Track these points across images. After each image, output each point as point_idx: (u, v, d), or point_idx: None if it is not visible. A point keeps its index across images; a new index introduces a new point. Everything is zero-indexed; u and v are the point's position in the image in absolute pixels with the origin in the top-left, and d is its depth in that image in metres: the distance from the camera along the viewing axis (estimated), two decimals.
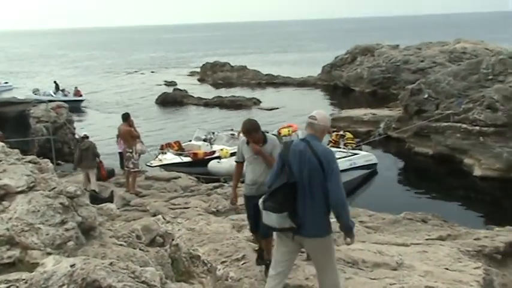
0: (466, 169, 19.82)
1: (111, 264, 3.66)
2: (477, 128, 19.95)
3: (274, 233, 4.57)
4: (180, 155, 19.97)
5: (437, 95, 22.73)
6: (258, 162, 5.59)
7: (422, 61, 38.29)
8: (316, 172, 4.19)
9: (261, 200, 4.35)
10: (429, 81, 23.77)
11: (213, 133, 21.98)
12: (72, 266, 3.49)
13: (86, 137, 13.99)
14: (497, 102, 19.80)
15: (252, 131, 5.59)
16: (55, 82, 41.76)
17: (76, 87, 40.99)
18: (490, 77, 21.87)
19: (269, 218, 4.25)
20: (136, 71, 67.34)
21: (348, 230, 4.35)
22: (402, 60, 39.19)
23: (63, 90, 39.55)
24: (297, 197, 4.19)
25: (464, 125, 20.54)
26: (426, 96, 23.02)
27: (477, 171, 19.12)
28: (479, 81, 22.17)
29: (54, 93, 38.35)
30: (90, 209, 4.93)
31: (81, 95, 39.81)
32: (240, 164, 5.91)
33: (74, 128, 21.80)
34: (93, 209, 5.07)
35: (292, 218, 4.16)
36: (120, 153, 16.77)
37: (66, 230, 4.36)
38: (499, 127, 19.35)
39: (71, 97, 37.89)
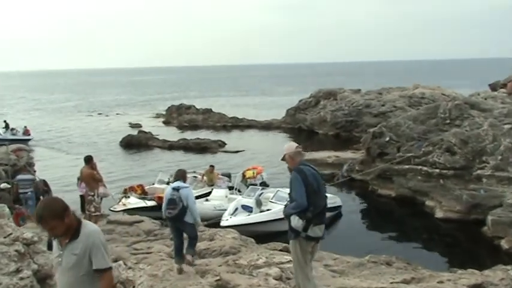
0: (428, 211, 20.15)
1: None
2: (437, 170, 20.45)
3: (305, 244, 5.59)
4: (144, 198, 19.62)
5: (398, 138, 23.30)
6: (65, 270, 3.66)
7: (383, 105, 39.39)
8: (324, 189, 5.57)
9: (303, 222, 5.39)
10: (390, 125, 24.38)
11: None
12: None
13: None
14: (455, 146, 20.43)
15: (48, 217, 3.47)
16: (5, 121, 42.57)
17: (25, 127, 42.18)
18: (448, 121, 22.62)
19: (319, 231, 5.46)
20: (100, 113, 66.72)
21: None
22: (364, 104, 40.22)
23: (12, 129, 40.76)
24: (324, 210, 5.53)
25: (424, 168, 21.02)
26: (387, 139, 23.55)
27: (439, 213, 19.46)
28: (437, 125, 22.90)
29: (4, 132, 39.80)
30: (47, 256, 4.76)
31: (29, 134, 41.02)
32: None
33: (35, 171, 21.24)
34: (51, 256, 4.89)
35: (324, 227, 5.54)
36: (81, 196, 16.40)
37: (21, 279, 4.18)
38: (458, 170, 19.89)
39: (20, 136, 39.28)
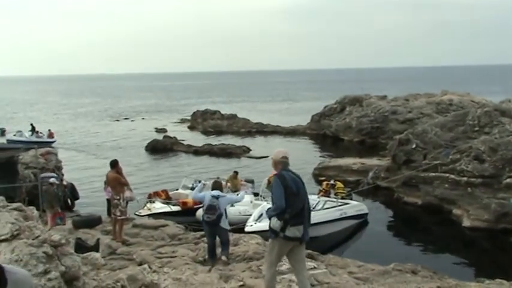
0: (455, 219, 19.80)
1: None
2: (465, 178, 20.08)
3: (284, 243, 5.83)
4: (168, 203, 19.79)
5: (425, 145, 22.98)
6: None
7: (410, 112, 38.92)
8: (305, 192, 5.89)
9: (280, 222, 5.71)
10: (417, 132, 24.08)
11: (200, 181, 21.84)
12: None
13: None
14: (484, 154, 20.04)
15: None
16: (31, 124, 44.34)
17: (49, 130, 44.16)
18: (476, 129, 22.23)
19: (297, 231, 5.71)
20: (126, 118, 67.66)
21: None
22: (390, 110, 39.81)
23: (37, 132, 42.72)
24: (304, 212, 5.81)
25: (452, 176, 20.67)
26: (414, 146, 23.26)
27: (466, 222, 19.10)
28: (466, 133, 22.51)
29: (30, 135, 41.91)
30: (74, 258, 4.84)
31: (53, 137, 43.04)
32: None
33: (63, 174, 21.63)
34: (78, 258, 4.98)
35: (304, 228, 5.77)
36: (107, 200, 16.63)
37: (49, 280, 4.26)
38: (486, 178, 19.50)
39: (44, 139, 41.45)
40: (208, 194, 9.85)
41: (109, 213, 15.64)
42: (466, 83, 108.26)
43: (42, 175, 17.47)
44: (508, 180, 18.96)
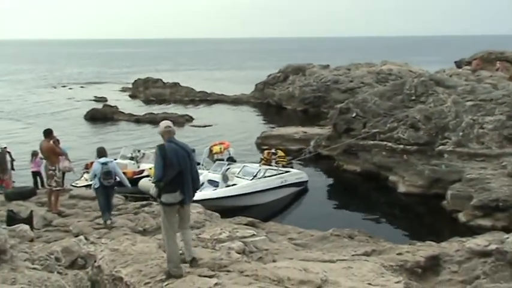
0: (391, 186, 20.55)
1: None
2: (401, 146, 20.79)
3: (166, 209, 6.14)
4: None
5: (364, 114, 23.51)
6: None
7: (351, 81, 39.62)
8: (187, 161, 6.16)
9: (156, 190, 6.08)
10: (357, 101, 24.57)
11: (139, 151, 21.42)
12: None
13: None
14: (419, 122, 20.79)
15: None
16: None
17: None
18: (413, 98, 22.94)
19: (170, 198, 6.04)
20: (64, 86, 65.10)
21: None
22: (332, 80, 40.37)
23: None
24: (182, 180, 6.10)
25: (389, 144, 21.33)
26: (354, 115, 23.74)
27: (401, 188, 19.88)
28: (403, 102, 23.19)
29: None
30: (0, 231, 4.63)
31: None
32: None
33: None
34: (4, 231, 4.77)
35: (182, 194, 6.09)
36: (33, 172, 16.12)
37: None
38: (421, 145, 20.29)
39: None
40: (97, 164, 10.60)
41: (36, 185, 15.26)
42: (407, 53, 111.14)
43: None
44: (441, 147, 19.82)
